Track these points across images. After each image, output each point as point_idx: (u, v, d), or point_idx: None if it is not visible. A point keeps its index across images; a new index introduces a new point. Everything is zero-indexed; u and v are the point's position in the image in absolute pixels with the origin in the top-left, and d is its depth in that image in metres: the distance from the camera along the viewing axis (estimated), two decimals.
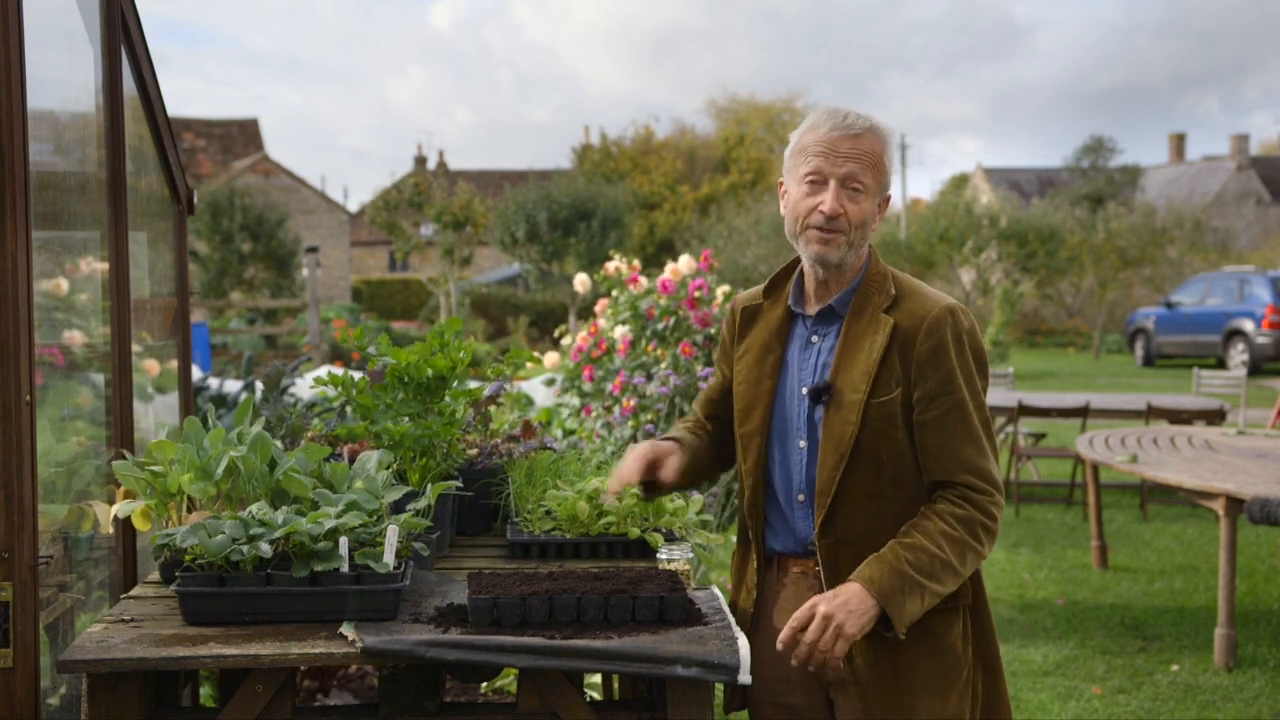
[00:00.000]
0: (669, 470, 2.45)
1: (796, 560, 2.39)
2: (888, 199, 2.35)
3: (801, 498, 2.35)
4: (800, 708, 2.41)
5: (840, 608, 2.15)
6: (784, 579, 2.41)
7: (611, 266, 6.37)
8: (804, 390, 2.36)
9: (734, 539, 7.43)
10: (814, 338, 2.39)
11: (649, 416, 5.52)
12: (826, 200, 2.27)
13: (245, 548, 2.20)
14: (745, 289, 2.61)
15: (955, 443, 2.26)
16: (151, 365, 3.61)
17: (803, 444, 2.35)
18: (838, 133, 2.28)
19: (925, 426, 2.27)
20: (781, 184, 2.41)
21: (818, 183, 2.29)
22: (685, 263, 6.06)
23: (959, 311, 2.32)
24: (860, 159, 2.27)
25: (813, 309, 2.39)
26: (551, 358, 6.77)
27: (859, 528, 2.29)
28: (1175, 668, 5.41)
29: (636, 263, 6.46)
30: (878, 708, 2.27)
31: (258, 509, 2.34)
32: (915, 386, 2.28)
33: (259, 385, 6.52)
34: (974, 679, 2.35)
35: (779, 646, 2.18)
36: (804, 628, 2.15)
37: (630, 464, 2.45)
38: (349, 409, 3.22)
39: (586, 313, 21.33)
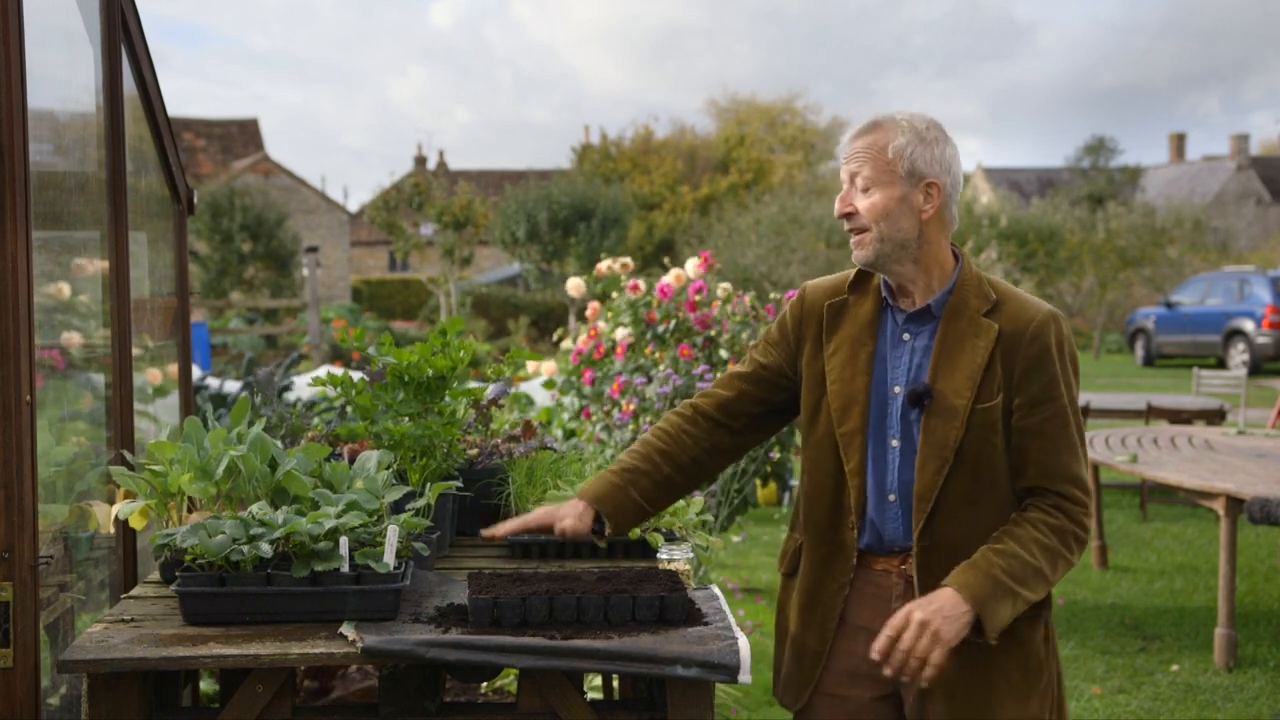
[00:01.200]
0: (565, 525, 2.42)
1: (879, 559, 2.36)
2: (931, 184, 2.29)
3: (893, 498, 2.33)
4: (862, 703, 2.38)
5: (936, 614, 2.14)
6: (867, 576, 2.38)
7: (604, 266, 6.36)
8: (896, 389, 2.34)
9: (734, 539, 7.36)
10: (905, 335, 2.36)
11: (649, 419, 5.52)
12: (841, 199, 2.34)
13: (245, 548, 2.20)
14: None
15: (1056, 449, 2.27)
16: (153, 374, 3.61)
17: (895, 443, 2.33)
18: (847, 137, 2.36)
19: (1026, 432, 2.27)
20: None
21: (845, 186, 2.36)
22: (691, 267, 6.06)
23: (1060, 318, 2.32)
24: (859, 155, 2.31)
25: (906, 305, 2.38)
26: (549, 366, 6.76)
27: (956, 532, 2.28)
28: (1175, 668, 5.41)
29: (629, 262, 6.44)
30: (962, 710, 2.27)
31: (258, 509, 2.35)
32: (1017, 392, 2.27)
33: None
34: (1053, 684, 2.36)
35: (875, 655, 2.16)
36: (899, 635, 2.14)
37: (520, 521, 2.45)
38: (349, 409, 3.22)
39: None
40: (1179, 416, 8.71)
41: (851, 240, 2.34)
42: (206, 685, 3.46)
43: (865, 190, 2.30)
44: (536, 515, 2.43)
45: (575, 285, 7.12)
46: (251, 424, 2.68)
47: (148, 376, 3.52)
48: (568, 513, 2.42)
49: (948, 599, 2.16)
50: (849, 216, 2.32)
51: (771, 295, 6.19)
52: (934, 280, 2.34)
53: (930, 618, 2.13)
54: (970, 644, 2.24)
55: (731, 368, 2.60)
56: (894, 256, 2.31)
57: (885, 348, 2.38)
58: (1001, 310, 2.31)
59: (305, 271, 21.61)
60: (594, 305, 6.29)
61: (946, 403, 2.27)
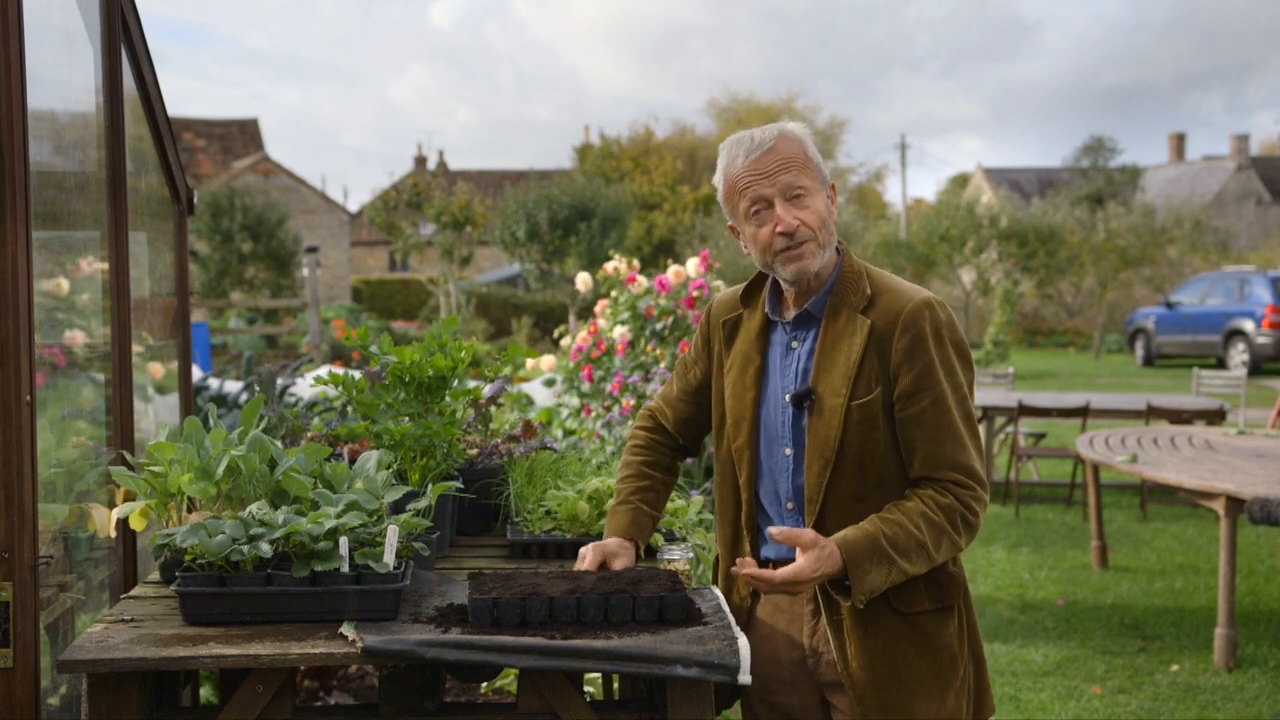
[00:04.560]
0: (619, 564, 2.46)
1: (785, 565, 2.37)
2: (834, 188, 2.35)
3: (790, 505, 2.34)
4: (793, 708, 2.41)
5: (816, 578, 2.18)
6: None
7: (611, 267, 6.37)
8: (786, 397, 2.35)
9: None
10: (794, 343, 2.37)
11: None
12: (780, 219, 2.27)
13: (245, 548, 2.20)
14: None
15: (938, 439, 2.25)
16: (155, 368, 3.61)
17: (789, 451, 2.34)
18: (755, 154, 2.28)
19: (906, 423, 2.26)
20: (732, 228, 2.40)
21: (763, 210, 2.29)
22: (692, 266, 6.07)
23: (935, 304, 2.29)
24: (788, 166, 2.26)
25: (790, 314, 2.38)
26: (548, 360, 6.77)
27: None
28: (1175, 668, 5.41)
29: (636, 263, 6.45)
30: (875, 709, 2.27)
31: (258, 509, 2.35)
32: (895, 384, 2.26)
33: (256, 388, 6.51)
34: (969, 678, 2.36)
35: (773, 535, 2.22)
36: (781, 580, 2.18)
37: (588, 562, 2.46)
38: (350, 409, 3.22)
39: (587, 313, 21.33)
40: (1179, 416, 8.71)
41: (787, 256, 2.28)
42: (207, 692, 3.45)
43: (798, 199, 2.27)
44: (592, 558, 2.45)
45: (583, 280, 7.14)
46: (259, 424, 2.69)
47: (149, 370, 3.52)
48: (616, 550, 2.47)
49: (833, 563, 2.18)
50: (793, 233, 2.26)
51: None
52: (821, 280, 2.35)
53: (812, 580, 2.17)
54: (880, 642, 2.27)
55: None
56: (827, 258, 2.32)
57: (775, 360, 2.39)
58: (875, 304, 2.30)
59: (305, 271, 21.58)
60: (603, 301, 6.30)
61: (825, 403, 2.28)
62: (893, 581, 2.21)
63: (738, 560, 2.25)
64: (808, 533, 2.19)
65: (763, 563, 2.40)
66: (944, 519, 2.23)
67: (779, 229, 2.26)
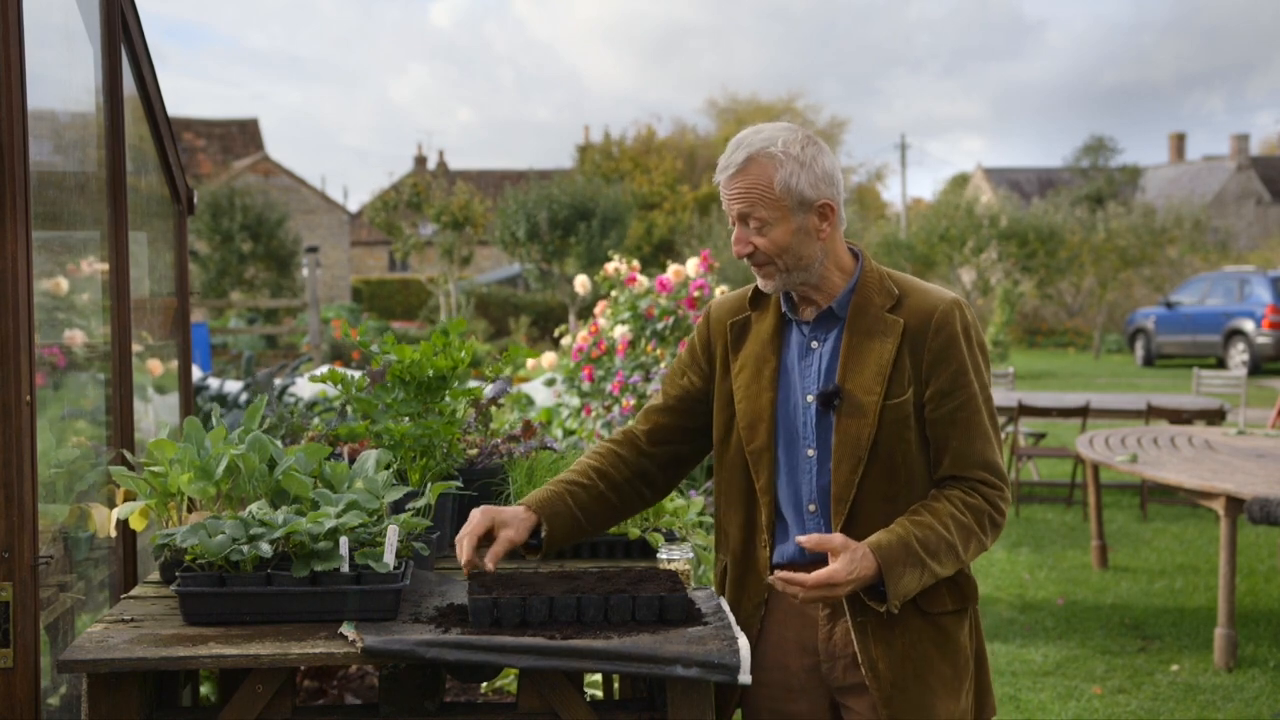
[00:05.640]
0: (505, 534, 2.32)
1: (804, 569, 2.33)
2: (824, 205, 2.28)
3: (813, 508, 2.32)
4: (802, 715, 2.39)
5: (852, 581, 2.16)
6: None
7: (611, 267, 6.37)
8: (809, 397, 2.32)
9: None
10: (814, 343, 2.35)
11: None
12: (734, 242, 2.32)
13: (245, 548, 2.20)
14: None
15: (968, 438, 2.27)
16: (155, 367, 3.61)
17: (811, 452, 2.32)
18: (723, 176, 2.30)
19: (939, 423, 2.27)
20: None
21: (736, 222, 2.32)
22: (692, 265, 6.07)
23: (964, 305, 2.32)
24: (745, 195, 2.27)
25: (809, 314, 2.37)
26: (549, 358, 6.77)
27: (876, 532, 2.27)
28: (1175, 668, 5.41)
29: (636, 263, 6.46)
30: (901, 709, 2.27)
31: (258, 509, 2.34)
32: (927, 384, 2.27)
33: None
34: (972, 676, 2.37)
35: (805, 544, 2.20)
36: (816, 583, 2.16)
37: (467, 544, 2.31)
38: (349, 408, 3.22)
39: (587, 313, 21.32)
40: (1179, 416, 8.71)
41: (756, 272, 2.34)
42: (207, 691, 3.45)
43: (760, 229, 2.27)
44: (478, 521, 2.32)
45: (581, 282, 7.14)
46: (262, 425, 2.69)
47: (148, 368, 3.52)
48: (508, 519, 2.34)
49: (867, 567, 2.16)
50: (750, 255, 2.30)
51: None
52: (836, 283, 2.34)
53: (847, 583, 2.15)
54: (906, 643, 2.26)
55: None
56: (800, 278, 2.32)
57: (791, 360, 2.37)
58: (904, 304, 2.30)
59: (305, 271, 21.58)
60: (603, 301, 6.30)
61: (857, 401, 2.27)
62: (924, 584, 2.22)
63: (776, 572, 2.22)
64: (837, 537, 2.18)
65: (773, 568, 2.38)
66: (972, 519, 2.24)
67: (735, 249, 2.32)
